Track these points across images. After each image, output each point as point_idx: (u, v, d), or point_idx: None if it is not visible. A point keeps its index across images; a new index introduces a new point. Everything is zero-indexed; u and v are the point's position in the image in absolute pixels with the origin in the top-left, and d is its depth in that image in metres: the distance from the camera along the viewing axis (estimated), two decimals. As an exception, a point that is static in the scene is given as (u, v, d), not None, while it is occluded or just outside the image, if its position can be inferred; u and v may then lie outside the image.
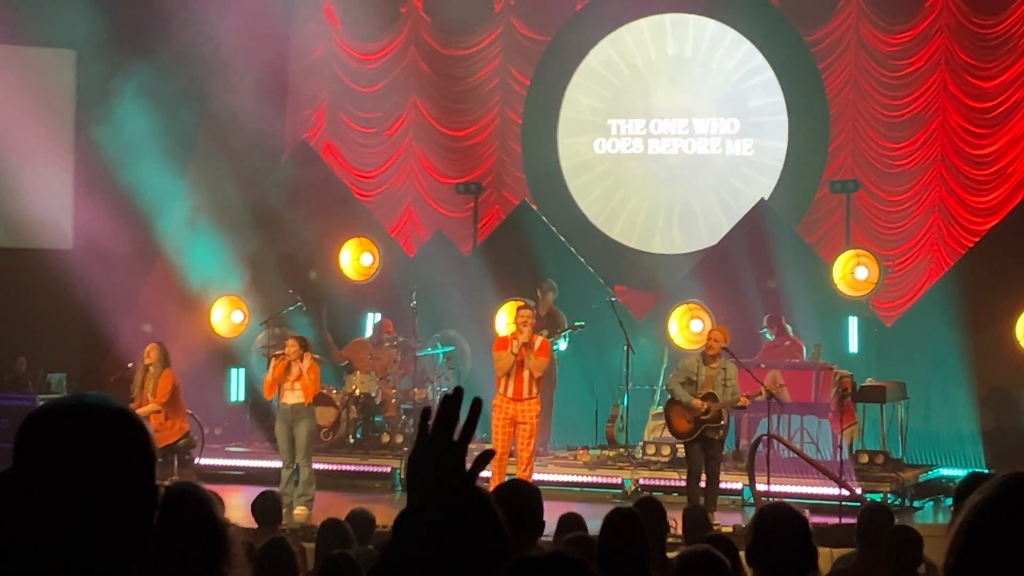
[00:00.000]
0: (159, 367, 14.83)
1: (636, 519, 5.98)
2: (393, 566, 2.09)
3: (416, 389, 17.54)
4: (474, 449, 2.15)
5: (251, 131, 19.10)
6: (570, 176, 20.65)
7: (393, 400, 17.63)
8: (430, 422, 2.15)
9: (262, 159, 19.99)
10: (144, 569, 2.09)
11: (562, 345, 17.18)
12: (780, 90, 19.68)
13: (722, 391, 13.29)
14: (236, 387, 18.84)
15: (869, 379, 16.33)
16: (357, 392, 17.28)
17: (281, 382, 14.15)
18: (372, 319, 18.95)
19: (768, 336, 16.92)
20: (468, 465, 2.17)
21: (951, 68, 18.98)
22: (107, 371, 17.22)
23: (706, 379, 13.37)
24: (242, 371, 18.73)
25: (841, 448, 15.57)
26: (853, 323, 17.45)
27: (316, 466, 14.75)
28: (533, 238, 18.62)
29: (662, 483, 15.48)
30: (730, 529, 11.93)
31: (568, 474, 16.11)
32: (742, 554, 5.26)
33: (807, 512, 13.51)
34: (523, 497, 5.21)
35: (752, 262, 17.58)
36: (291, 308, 17.78)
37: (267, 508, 9.16)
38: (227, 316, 18.55)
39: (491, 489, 11.80)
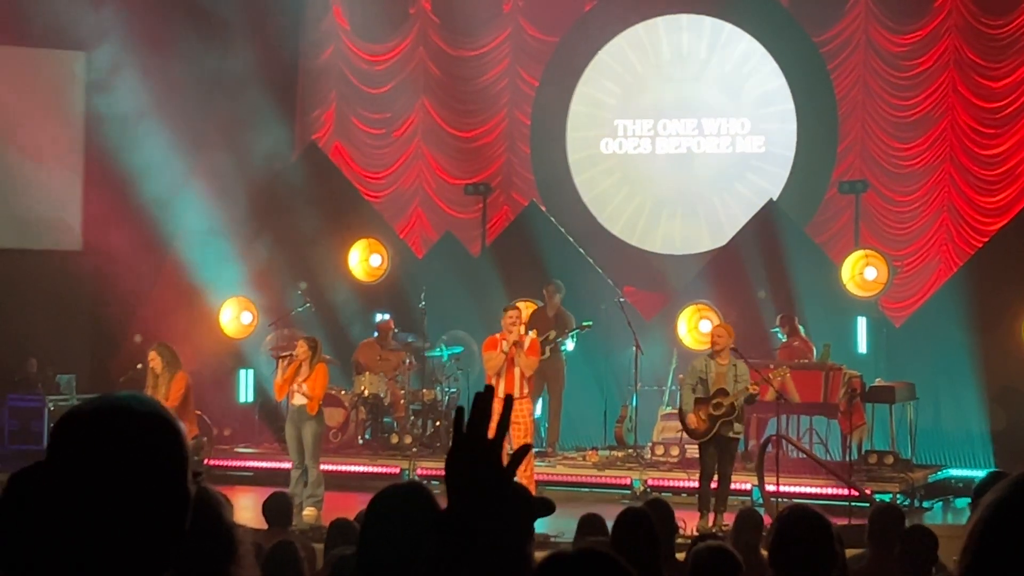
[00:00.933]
0: (168, 371, 14.81)
1: (647, 519, 5.99)
2: (445, 566, 2.10)
3: (425, 390, 17.56)
4: None
5: (260, 132, 19.13)
6: (579, 177, 20.66)
7: (402, 401, 17.63)
8: (464, 422, 2.17)
9: (271, 160, 20.01)
10: (175, 572, 2.10)
11: (569, 345, 17.19)
12: (788, 91, 19.67)
13: (733, 387, 13.25)
14: (245, 388, 18.84)
15: (878, 379, 16.31)
16: (366, 393, 17.29)
17: (290, 383, 14.16)
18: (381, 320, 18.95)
19: (780, 336, 16.90)
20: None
21: (960, 68, 18.96)
22: (116, 372, 17.24)
23: (716, 376, 13.34)
24: (251, 372, 18.73)
25: (850, 449, 15.57)
26: (862, 323, 17.43)
27: (325, 467, 14.76)
28: (542, 239, 18.62)
29: (671, 484, 15.48)
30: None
31: (577, 475, 16.11)
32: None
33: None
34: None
35: (761, 263, 17.58)
36: (300, 309, 17.80)
37: (278, 509, 9.17)
38: (236, 317, 18.56)
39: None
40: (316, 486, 14.18)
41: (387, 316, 18.32)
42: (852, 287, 17.32)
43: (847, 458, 15.39)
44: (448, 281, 18.31)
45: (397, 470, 16.54)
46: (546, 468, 16.10)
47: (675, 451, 15.97)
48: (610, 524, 6.34)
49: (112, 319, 18.86)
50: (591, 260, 18.72)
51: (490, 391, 2.17)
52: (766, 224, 18.01)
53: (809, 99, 19.61)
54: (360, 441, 17.41)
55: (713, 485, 13.44)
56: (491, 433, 2.15)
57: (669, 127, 20.34)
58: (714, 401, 13.22)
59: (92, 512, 2.02)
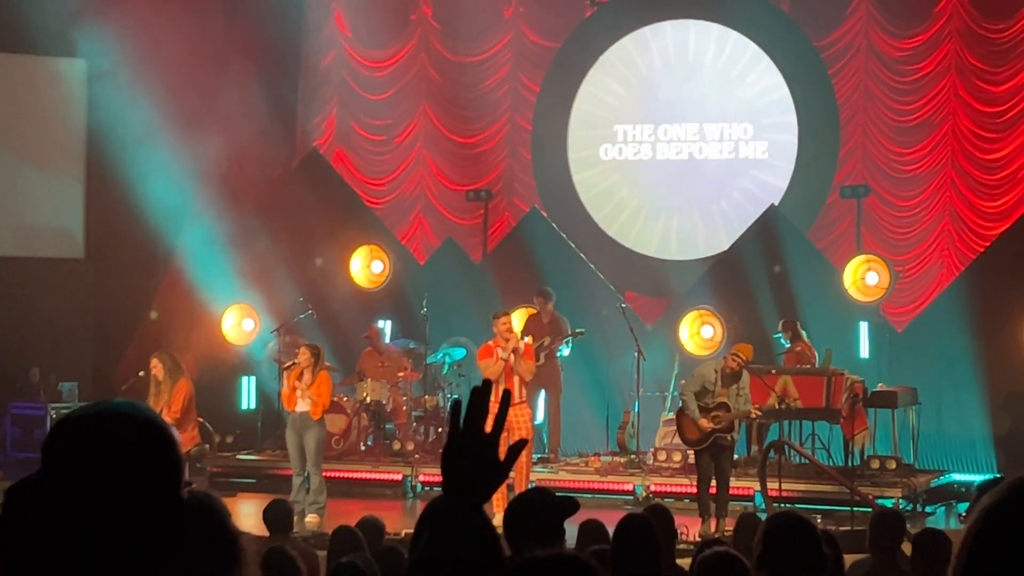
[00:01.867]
0: (171, 378, 14.82)
1: (648, 525, 5.98)
2: (434, 557, 2.11)
3: (427, 396, 17.56)
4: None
5: (262, 139, 19.15)
6: (580, 182, 20.66)
7: (404, 408, 17.63)
8: (461, 415, 2.18)
9: (273, 167, 20.02)
10: None
11: (565, 351, 17.20)
12: (790, 95, 19.67)
13: (735, 400, 13.30)
14: (247, 395, 18.86)
15: (880, 384, 16.32)
16: (368, 400, 17.29)
17: (295, 390, 14.19)
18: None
19: (784, 342, 16.88)
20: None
21: (961, 73, 18.96)
22: (119, 380, 17.25)
23: (720, 390, 13.39)
24: (253, 379, 18.75)
25: (852, 454, 15.56)
26: (864, 328, 17.43)
27: (327, 473, 14.76)
28: (543, 245, 18.63)
29: (673, 489, 15.47)
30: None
31: (579, 480, 16.10)
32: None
33: (818, 518, 13.49)
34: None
35: (762, 268, 17.58)
36: (302, 316, 17.81)
37: (278, 516, 9.15)
38: (238, 324, 18.57)
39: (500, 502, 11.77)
40: (318, 493, 14.19)
41: (379, 323, 18.36)
42: (854, 292, 17.32)
43: (849, 463, 15.39)
44: (450, 287, 18.32)
45: (399, 477, 16.55)
46: (549, 474, 16.09)
47: (677, 457, 15.96)
48: (612, 530, 6.33)
49: (114, 327, 18.87)
50: (592, 266, 18.72)
51: (488, 386, 2.18)
52: (767, 229, 18.01)
53: (810, 104, 19.60)
54: (362, 448, 17.41)
55: (712, 490, 13.47)
56: (488, 428, 2.16)
57: (670, 132, 20.33)
58: (714, 414, 13.25)
59: (85, 520, 2.02)
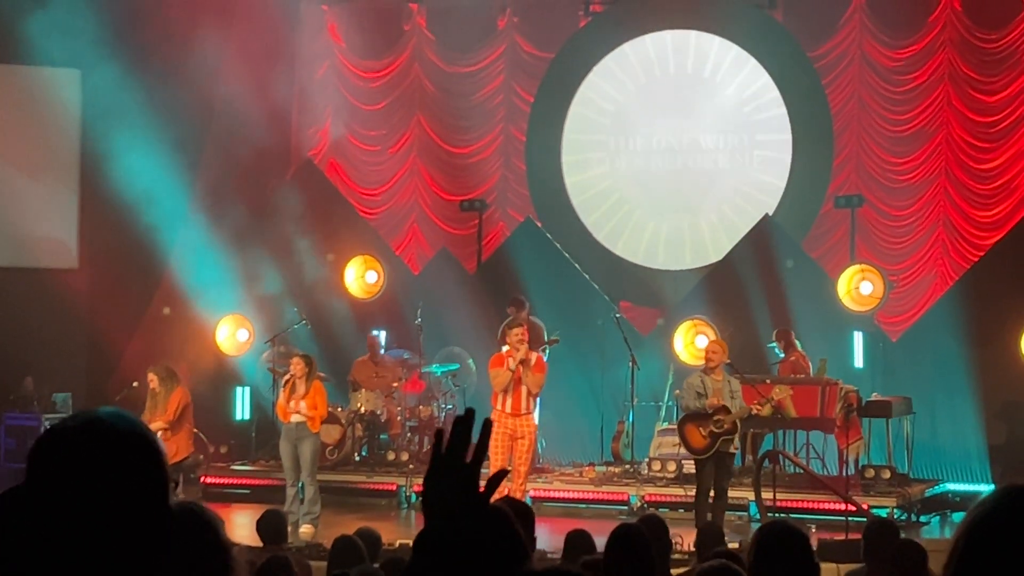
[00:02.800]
0: (165, 387, 14.79)
1: (641, 535, 5.98)
2: None
3: (421, 406, 17.55)
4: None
5: (256, 149, 19.14)
6: (574, 193, 20.66)
7: (398, 418, 17.63)
8: (443, 444, 2.17)
9: (267, 177, 20.02)
10: None
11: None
12: (784, 106, 19.69)
13: (730, 403, 13.24)
14: (241, 405, 18.84)
15: (875, 394, 16.32)
16: (363, 410, 17.28)
17: (289, 401, 14.18)
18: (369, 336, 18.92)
19: (778, 352, 16.87)
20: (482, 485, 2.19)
21: (954, 82, 18.99)
22: (113, 390, 17.23)
23: (713, 391, 13.32)
24: (247, 389, 18.73)
25: (847, 463, 15.56)
26: (858, 338, 17.43)
27: (321, 483, 14.74)
28: (537, 255, 18.62)
29: (668, 499, 15.47)
30: (736, 545, 11.89)
31: (574, 491, 16.10)
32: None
33: (813, 528, 13.51)
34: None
35: (757, 277, 17.58)
36: (296, 326, 17.80)
37: (272, 527, 9.13)
38: (232, 334, 18.56)
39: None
40: (313, 503, 14.17)
41: (375, 332, 18.34)
42: (848, 301, 17.32)
43: (844, 473, 15.38)
44: (444, 297, 18.30)
45: (394, 487, 16.54)
46: (543, 484, 16.09)
47: (672, 467, 15.95)
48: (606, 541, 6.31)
49: (108, 337, 18.84)
50: (587, 276, 18.73)
51: (470, 414, 2.18)
52: (762, 239, 18.02)
53: (804, 114, 19.62)
54: (357, 458, 17.40)
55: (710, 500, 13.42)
56: (469, 457, 2.16)
57: (664, 142, 20.35)
58: (715, 418, 13.20)
59: (70, 530, 2.01)
